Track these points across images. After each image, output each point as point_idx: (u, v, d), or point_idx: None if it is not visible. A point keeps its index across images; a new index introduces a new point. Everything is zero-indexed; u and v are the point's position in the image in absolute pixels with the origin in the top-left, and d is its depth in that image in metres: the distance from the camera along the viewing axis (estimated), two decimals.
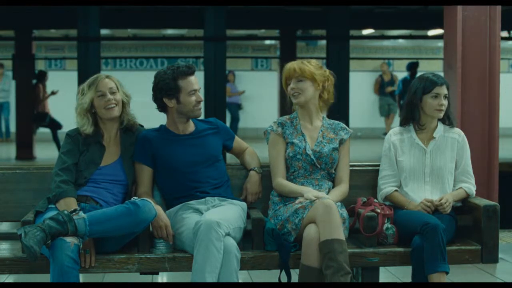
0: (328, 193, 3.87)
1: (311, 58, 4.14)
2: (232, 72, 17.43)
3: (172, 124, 3.96)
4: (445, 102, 3.96)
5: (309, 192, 3.75)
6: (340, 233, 3.54)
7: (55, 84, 14.03)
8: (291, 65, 3.96)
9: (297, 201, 3.74)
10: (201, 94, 3.95)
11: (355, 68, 15.86)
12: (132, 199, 3.57)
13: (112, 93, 3.83)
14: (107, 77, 3.87)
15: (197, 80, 3.90)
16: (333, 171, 3.96)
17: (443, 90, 3.95)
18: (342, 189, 3.93)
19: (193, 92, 3.86)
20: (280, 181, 3.90)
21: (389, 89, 16.72)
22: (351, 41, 11.73)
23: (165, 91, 3.86)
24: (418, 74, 13.40)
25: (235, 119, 16.75)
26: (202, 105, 3.95)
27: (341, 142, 3.99)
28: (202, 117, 4.04)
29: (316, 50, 18.66)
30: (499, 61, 5.64)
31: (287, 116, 4.06)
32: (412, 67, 13.07)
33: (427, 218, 3.70)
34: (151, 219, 3.58)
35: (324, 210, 3.57)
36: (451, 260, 3.67)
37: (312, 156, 3.90)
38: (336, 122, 4.06)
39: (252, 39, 17.66)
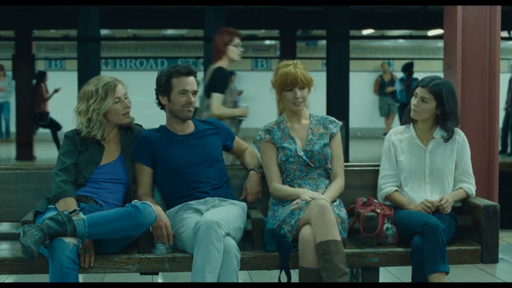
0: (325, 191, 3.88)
1: (308, 58, 4.12)
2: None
3: (169, 123, 3.97)
4: (418, 103, 3.94)
5: (305, 193, 3.75)
6: (336, 234, 3.53)
7: (55, 84, 14.04)
8: (292, 71, 3.89)
9: (293, 202, 3.74)
10: (199, 98, 3.93)
11: (355, 68, 15.86)
12: (133, 201, 3.56)
13: (125, 98, 3.84)
14: (120, 82, 3.86)
15: (193, 82, 3.88)
16: (329, 167, 3.96)
17: (421, 92, 3.93)
18: (337, 184, 3.92)
19: (183, 92, 3.85)
20: (276, 186, 3.90)
21: (389, 89, 16.72)
22: (351, 41, 11.73)
23: (159, 88, 3.90)
24: (415, 74, 13.44)
25: None
26: (195, 108, 3.92)
27: (331, 136, 3.98)
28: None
29: (316, 50, 18.67)
30: (499, 61, 5.65)
31: (273, 122, 4.05)
32: (407, 68, 13.11)
33: (427, 218, 3.70)
34: (151, 223, 3.58)
35: (318, 211, 3.56)
36: (451, 260, 3.67)
37: (304, 157, 3.90)
38: (324, 116, 4.06)
39: (252, 39, 17.67)
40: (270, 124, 4.03)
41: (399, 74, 17.14)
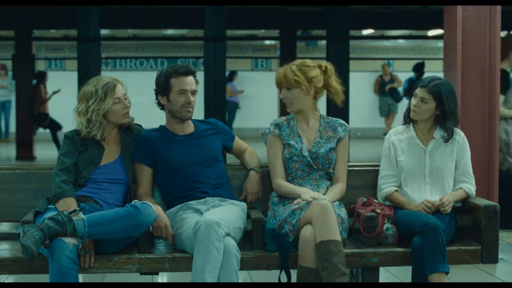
0: (326, 192, 3.87)
1: (308, 58, 4.11)
2: (236, 73, 17.44)
3: (169, 123, 3.97)
4: (417, 104, 3.94)
5: (306, 193, 3.75)
6: (336, 234, 3.53)
7: (55, 84, 14.03)
8: (280, 72, 3.92)
9: (294, 202, 3.74)
10: (199, 98, 3.92)
11: (355, 68, 15.86)
12: (133, 201, 3.56)
13: (125, 99, 3.84)
14: (120, 82, 3.86)
15: (192, 82, 3.88)
16: (331, 171, 3.96)
17: (420, 93, 3.94)
18: (338, 187, 3.92)
19: (182, 91, 3.86)
20: (279, 182, 3.90)
21: (389, 86, 16.72)
22: (351, 41, 11.73)
23: (158, 88, 3.90)
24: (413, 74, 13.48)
25: (231, 119, 16.76)
26: (198, 108, 3.92)
27: (339, 140, 3.98)
28: (202, 117, 4.04)
29: (316, 50, 18.67)
30: (499, 61, 5.65)
31: (284, 117, 4.05)
32: (418, 68, 13.12)
33: (427, 218, 3.70)
34: (151, 223, 3.58)
35: (320, 211, 3.57)
36: (451, 260, 3.67)
37: (309, 158, 3.90)
38: (334, 119, 4.05)
39: (252, 39, 17.67)
40: (281, 119, 4.03)
41: (399, 74, 17.17)
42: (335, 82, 4.00)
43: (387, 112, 17.14)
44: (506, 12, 6.10)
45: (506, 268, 5.26)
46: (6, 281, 4.80)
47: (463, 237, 3.92)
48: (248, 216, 3.86)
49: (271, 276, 3.94)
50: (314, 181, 3.91)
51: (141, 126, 4.05)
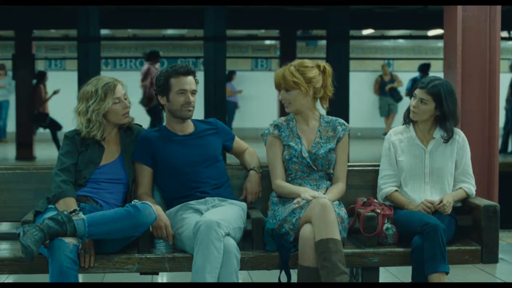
0: (325, 192, 3.88)
1: (308, 58, 4.11)
2: (234, 73, 17.44)
3: (169, 123, 3.97)
4: (417, 104, 3.94)
5: (306, 192, 3.75)
6: (336, 233, 3.53)
7: (55, 84, 14.03)
8: (278, 74, 3.92)
9: (294, 201, 3.74)
10: (199, 98, 3.92)
11: (355, 68, 15.86)
12: (133, 201, 3.56)
13: (125, 99, 3.84)
14: (120, 82, 3.86)
15: (192, 82, 3.89)
16: (331, 171, 3.96)
17: (420, 94, 3.94)
18: (338, 188, 3.92)
19: (182, 91, 3.86)
20: (279, 182, 3.90)
21: (389, 86, 16.72)
22: (351, 41, 11.73)
23: (158, 88, 3.91)
24: (413, 73, 13.48)
25: (230, 119, 16.77)
26: (198, 108, 3.92)
27: (339, 139, 3.98)
28: (202, 117, 4.04)
29: (316, 50, 18.67)
30: (499, 61, 5.64)
31: (283, 118, 4.05)
32: (424, 68, 13.13)
33: (427, 218, 3.70)
34: (151, 223, 3.58)
35: (320, 209, 3.57)
36: (451, 260, 3.67)
37: (308, 159, 3.90)
38: (334, 118, 4.04)
39: (252, 39, 17.67)
40: (280, 120, 4.03)
41: (399, 74, 17.17)
42: (329, 86, 3.98)
43: (387, 112, 17.13)
44: (506, 12, 6.10)
45: (506, 268, 5.26)
46: (6, 281, 4.80)
47: (463, 237, 3.92)
48: (248, 216, 3.86)
49: (271, 276, 3.94)
50: (314, 181, 3.92)
51: (141, 126, 4.05)
